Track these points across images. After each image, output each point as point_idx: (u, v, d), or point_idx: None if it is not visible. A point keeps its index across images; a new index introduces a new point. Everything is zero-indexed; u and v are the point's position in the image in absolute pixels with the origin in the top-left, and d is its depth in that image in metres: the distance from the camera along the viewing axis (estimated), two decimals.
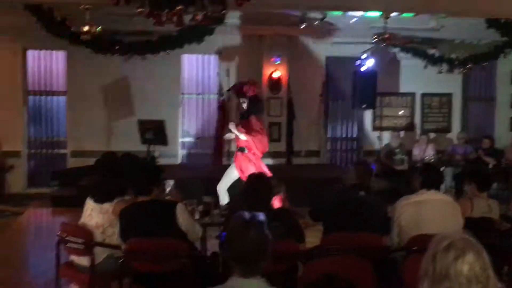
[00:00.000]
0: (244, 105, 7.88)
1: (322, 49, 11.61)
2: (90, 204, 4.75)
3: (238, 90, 8.20)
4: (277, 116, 11.43)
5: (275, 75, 11.27)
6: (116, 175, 4.81)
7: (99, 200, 4.67)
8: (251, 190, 4.16)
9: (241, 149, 7.87)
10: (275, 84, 11.32)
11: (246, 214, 2.55)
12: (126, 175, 4.65)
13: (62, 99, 11.47)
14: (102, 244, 4.52)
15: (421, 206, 4.56)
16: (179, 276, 4.07)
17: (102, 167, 5.17)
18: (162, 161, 10.57)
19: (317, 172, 10.74)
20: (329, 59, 11.82)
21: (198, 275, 4.12)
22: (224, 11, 5.44)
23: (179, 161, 11.52)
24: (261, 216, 2.58)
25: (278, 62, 11.28)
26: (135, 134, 9.55)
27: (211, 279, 4.21)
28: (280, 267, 3.86)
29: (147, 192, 4.33)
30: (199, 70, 11.83)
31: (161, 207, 4.30)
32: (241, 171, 7.73)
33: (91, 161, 10.04)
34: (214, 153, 11.25)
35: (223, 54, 11.45)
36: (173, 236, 4.07)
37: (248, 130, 7.73)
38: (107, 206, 4.64)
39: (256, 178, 4.28)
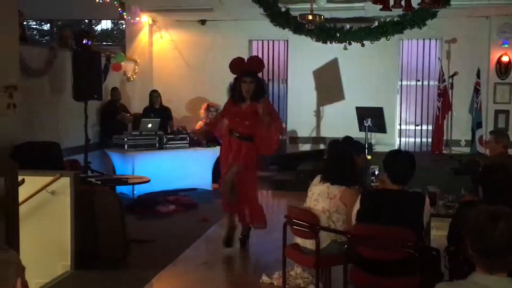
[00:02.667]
0: (252, 86, 6.42)
1: None
2: (317, 188, 4.80)
3: (245, 68, 6.54)
4: (505, 103, 10.67)
5: (504, 59, 10.54)
6: (344, 161, 4.81)
7: (332, 181, 4.70)
8: (491, 182, 3.89)
9: (249, 139, 6.50)
10: (503, 68, 10.60)
11: (491, 207, 2.38)
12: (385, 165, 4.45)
13: (282, 86, 11.91)
14: (327, 229, 4.58)
15: None
16: (403, 266, 3.98)
17: (331, 153, 5.25)
18: (378, 148, 10.55)
19: None
20: None
21: (423, 266, 3.99)
22: None
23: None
24: (507, 209, 2.40)
25: (507, 45, 10.53)
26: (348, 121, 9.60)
27: (435, 272, 4.07)
28: None
29: (405, 181, 4.22)
30: (419, 56, 11.45)
31: (411, 198, 4.18)
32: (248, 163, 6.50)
33: (304, 147, 10.49)
34: (434, 141, 10.86)
35: (446, 38, 10.95)
36: (413, 228, 3.96)
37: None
38: (336, 191, 4.65)
39: (496, 169, 3.97)
